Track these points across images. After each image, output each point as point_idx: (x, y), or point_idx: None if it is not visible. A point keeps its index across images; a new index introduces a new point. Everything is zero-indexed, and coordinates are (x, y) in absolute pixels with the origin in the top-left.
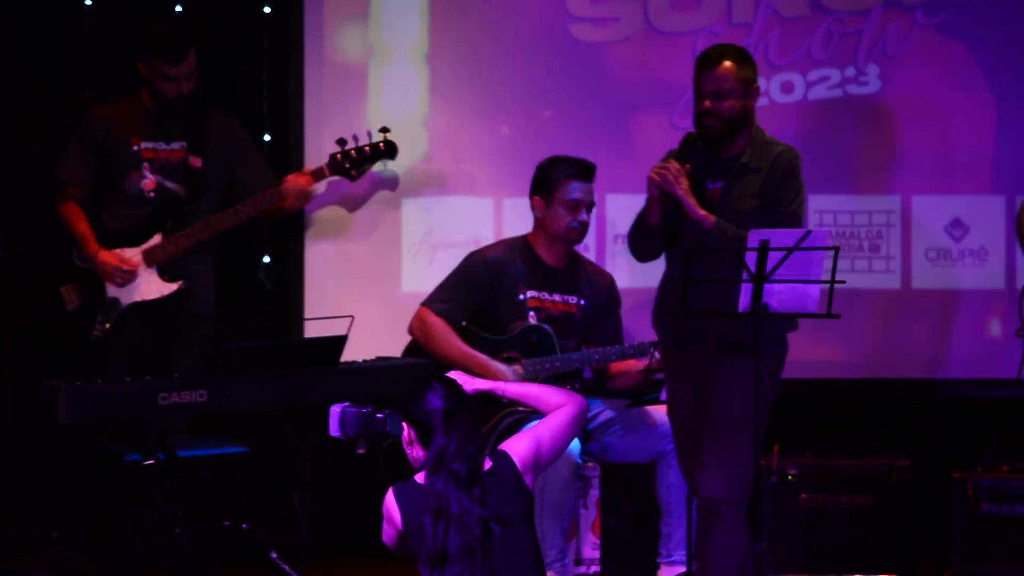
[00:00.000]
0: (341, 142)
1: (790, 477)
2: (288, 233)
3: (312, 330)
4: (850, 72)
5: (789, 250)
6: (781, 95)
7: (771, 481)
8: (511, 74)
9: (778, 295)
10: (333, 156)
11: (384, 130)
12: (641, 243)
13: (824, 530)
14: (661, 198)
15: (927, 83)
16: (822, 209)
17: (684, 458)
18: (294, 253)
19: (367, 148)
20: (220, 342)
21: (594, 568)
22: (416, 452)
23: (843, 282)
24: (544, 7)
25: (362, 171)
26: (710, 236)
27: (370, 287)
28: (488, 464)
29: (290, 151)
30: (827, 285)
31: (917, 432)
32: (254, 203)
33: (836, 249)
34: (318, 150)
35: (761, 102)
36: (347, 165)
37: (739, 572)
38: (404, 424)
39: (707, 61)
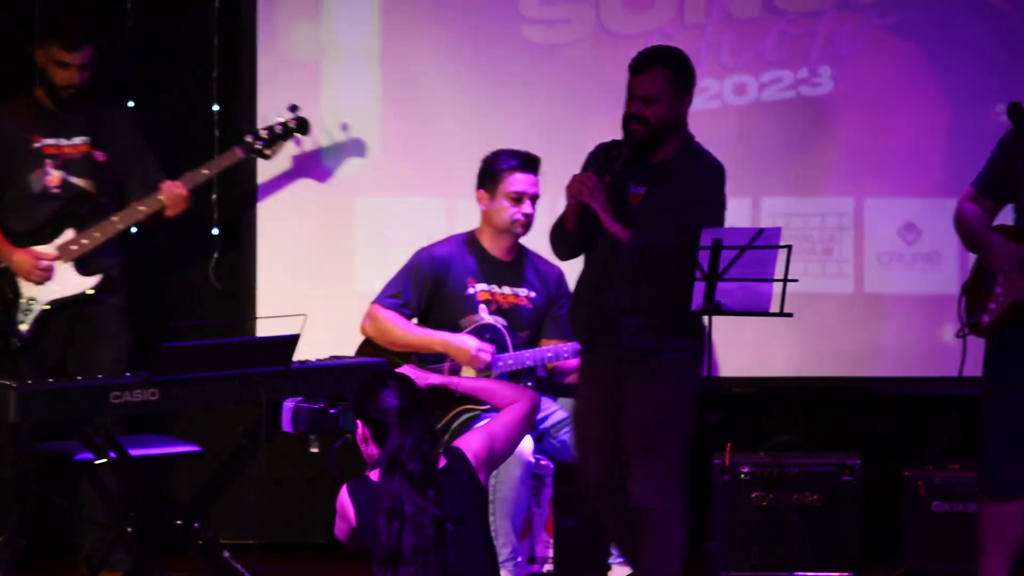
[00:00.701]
0: (250, 123)
1: (742, 475)
2: (240, 231)
3: (265, 329)
4: (803, 74)
5: (742, 248)
6: (734, 97)
7: (723, 479)
8: (463, 75)
9: (731, 294)
10: (244, 139)
11: (293, 108)
12: (560, 244)
13: (776, 528)
14: (577, 208)
15: (880, 85)
16: (775, 212)
17: (579, 453)
18: (246, 251)
19: (279, 126)
20: (170, 341)
21: (547, 567)
22: (371, 449)
23: (796, 280)
24: (496, 9)
25: (276, 150)
26: (625, 248)
27: (323, 286)
28: (442, 462)
29: None
30: (780, 285)
31: (868, 431)
32: (134, 212)
33: (789, 247)
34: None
35: (713, 104)
36: (259, 146)
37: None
38: (358, 421)
39: (639, 65)
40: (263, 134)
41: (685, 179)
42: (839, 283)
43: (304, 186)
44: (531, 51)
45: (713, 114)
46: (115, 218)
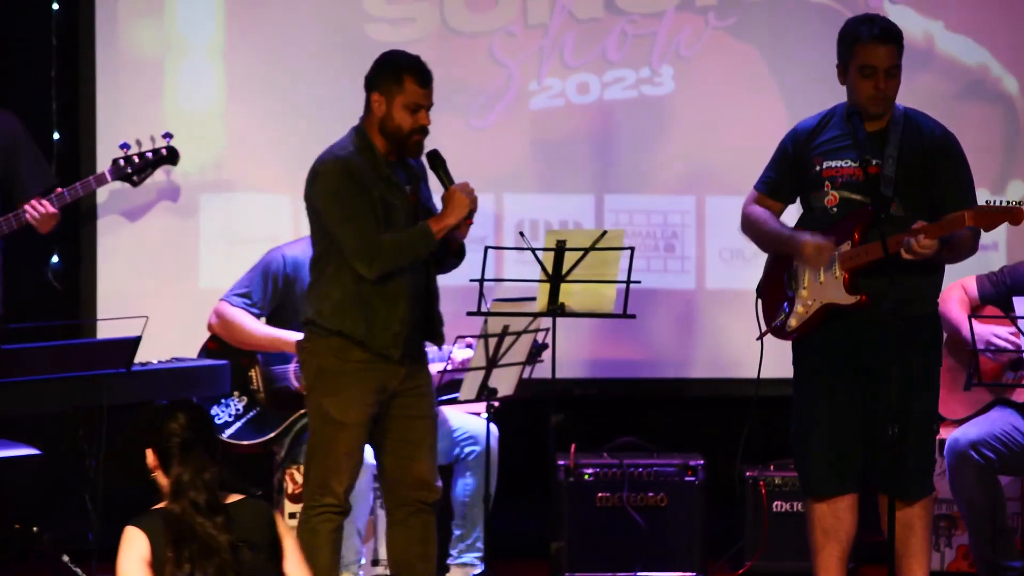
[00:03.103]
0: (124, 147)
1: (586, 477)
2: (80, 231)
3: (106, 331)
4: (644, 73)
5: (585, 250)
6: (577, 96)
7: (567, 481)
8: (308, 72)
9: (575, 295)
10: (116, 161)
11: (167, 135)
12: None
13: (620, 529)
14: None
15: (720, 84)
16: (618, 209)
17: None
18: (86, 251)
19: (149, 154)
20: (8, 343)
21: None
22: (161, 479)
23: (639, 282)
24: (340, 6)
25: (144, 177)
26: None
27: (167, 284)
28: (239, 497)
29: (81, 150)
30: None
31: (711, 431)
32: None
33: (631, 250)
34: (111, 149)
35: (557, 103)
36: (129, 171)
37: None
38: (149, 450)
39: (428, 77)
40: (134, 159)
41: (422, 170)
42: (681, 279)
43: (147, 183)
44: (376, 49)
45: (557, 113)
46: None
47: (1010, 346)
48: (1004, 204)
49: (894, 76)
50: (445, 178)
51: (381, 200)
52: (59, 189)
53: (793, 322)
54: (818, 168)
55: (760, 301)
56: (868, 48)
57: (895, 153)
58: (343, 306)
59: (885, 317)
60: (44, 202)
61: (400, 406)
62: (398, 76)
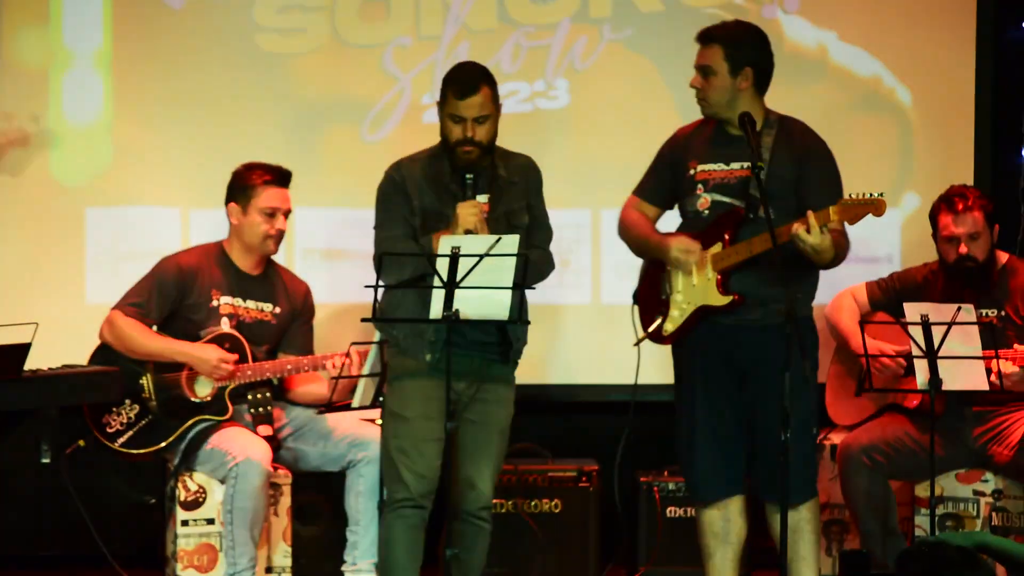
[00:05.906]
0: None
1: None
2: None
3: None
4: (539, 86)
5: (480, 256)
6: None
7: None
8: (198, 83)
9: (470, 301)
10: None
11: None
12: None
13: (515, 535)
14: None
15: (616, 97)
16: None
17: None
18: None
19: None
20: None
21: None
22: None
23: (534, 288)
24: (229, 15)
25: None
26: None
27: (54, 298)
28: None
29: None
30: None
31: (605, 437)
32: None
33: (526, 255)
34: None
35: None
36: None
37: None
38: None
39: (466, 88)
40: None
41: (517, 181)
42: (577, 294)
43: (33, 196)
44: (266, 60)
45: None
46: None
47: (895, 364)
48: (867, 196)
49: (705, 76)
50: (469, 191)
51: (426, 209)
52: None
53: (669, 326)
54: (692, 172)
55: (636, 307)
56: None
57: (767, 156)
58: (388, 312)
59: (762, 320)
60: None
61: (468, 412)
62: (444, 88)
